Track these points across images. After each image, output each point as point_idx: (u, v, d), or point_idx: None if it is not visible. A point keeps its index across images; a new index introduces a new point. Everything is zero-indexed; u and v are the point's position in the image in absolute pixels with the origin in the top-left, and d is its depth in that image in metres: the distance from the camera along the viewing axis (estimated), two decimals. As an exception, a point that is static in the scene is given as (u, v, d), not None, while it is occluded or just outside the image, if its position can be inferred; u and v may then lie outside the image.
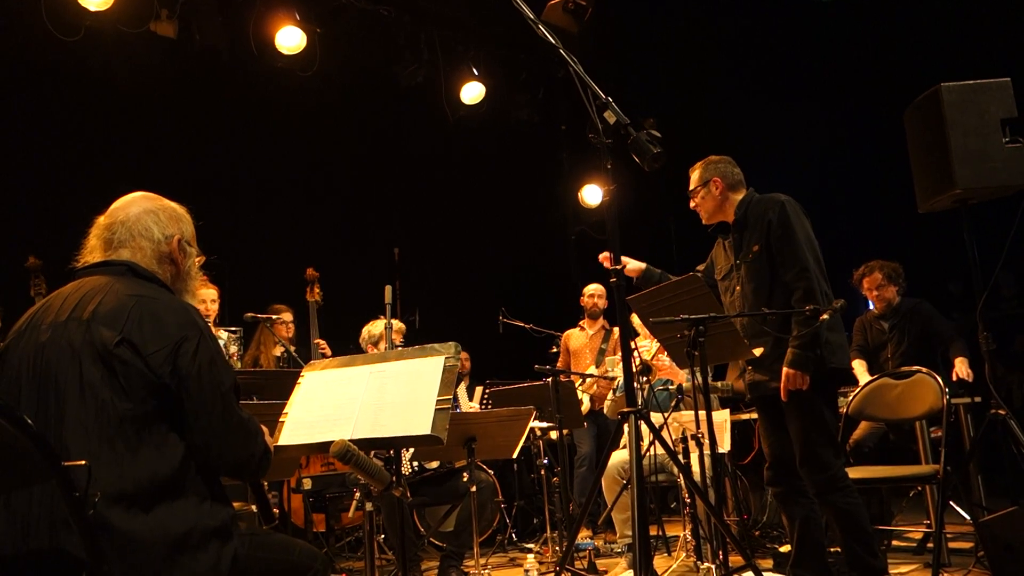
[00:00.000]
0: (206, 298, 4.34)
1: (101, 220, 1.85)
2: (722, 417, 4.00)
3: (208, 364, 1.65)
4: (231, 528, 1.65)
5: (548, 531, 4.65)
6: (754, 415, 4.62)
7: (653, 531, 4.43)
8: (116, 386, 1.58)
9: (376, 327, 4.50)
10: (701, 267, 3.50)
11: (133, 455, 1.56)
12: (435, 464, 4.20)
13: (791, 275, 3.00)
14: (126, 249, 1.80)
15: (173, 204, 1.91)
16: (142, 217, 1.83)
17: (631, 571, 3.91)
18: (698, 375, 2.96)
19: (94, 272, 1.77)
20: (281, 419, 2.24)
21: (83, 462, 1.42)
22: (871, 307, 4.84)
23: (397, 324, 4.52)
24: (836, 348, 3.03)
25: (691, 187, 3.34)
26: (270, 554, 1.73)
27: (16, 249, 4.47)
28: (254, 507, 3.49)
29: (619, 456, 4.04)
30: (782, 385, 2.97)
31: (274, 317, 4.90)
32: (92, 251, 1.84)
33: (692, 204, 3.36)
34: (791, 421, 3.04)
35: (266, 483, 2.65)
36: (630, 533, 4.14)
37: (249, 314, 4.63)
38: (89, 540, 1.38)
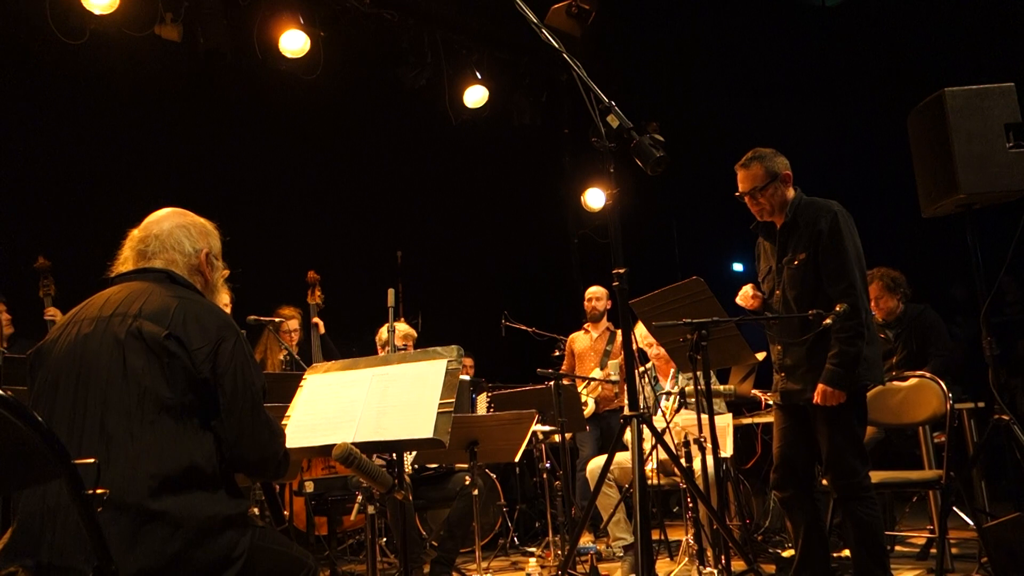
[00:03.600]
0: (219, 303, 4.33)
1: (135, 233, 1.95)
2: (724, 421, 3.99)
3: (243, 364, 1.75)
4: (249, 518, 1.74)
5: (550, 535, 4.64)
6: (756, 419, 4.62)
7: (655, 535, 4.42)
8: (159, 375, 1.67)
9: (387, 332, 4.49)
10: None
11: (173, 441, 1.65)
12: (435, 465, 4.20)
13: (837, 290, 2.92)
14: (159, 260, 1.90)
15: (202, 220, 2.02)
16: (174, 231, 1.93)
17: (632, 575, 3.90)
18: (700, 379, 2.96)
19: (133, 278, 1.87)
20: (284, 422, 2.24)
21: (92, 460, 1.44)
22: (873, 314, 4.82)
23: (408, 329, 4.50)
24: (872, 364, 2.98)
25: (753, 185, 3.08)
26: (275, 546, 1.81)
27: (25, 250, 4.48)
28: (255, 509, 3.50)
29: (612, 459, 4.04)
30: (816, 399, 2.92)
31: (277, 320, 4.91)
32: (125, 261, 1.93)
33: (750, 203, 3.12)
34: (820, 427, 3.00)
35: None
36: (622, 536, 4.13)
37: (252, 317, 4.63)
38: (98, 539, 1.39)
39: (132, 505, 1.56)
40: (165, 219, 1.95)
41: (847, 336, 2.88)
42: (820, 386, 2.92)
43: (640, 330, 4.21)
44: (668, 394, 4.26)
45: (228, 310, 4.46)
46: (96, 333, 1.73)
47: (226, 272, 2.05)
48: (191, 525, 1.60)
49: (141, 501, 1.57)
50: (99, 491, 1.39)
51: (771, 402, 3.33)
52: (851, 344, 2.89)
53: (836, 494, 2.99)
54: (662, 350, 4.23)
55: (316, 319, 5.32)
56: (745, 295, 3.23)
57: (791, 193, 3.11)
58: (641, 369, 4.19)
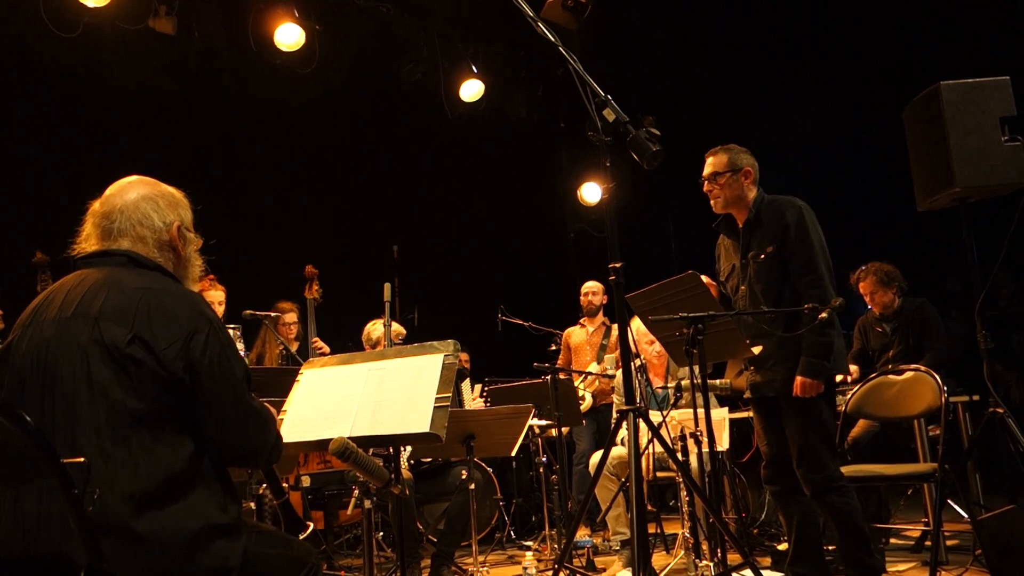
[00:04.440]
0: (214, 300, 4.33)
1: (96, 207, 1.79)
2: (720, 415, 4.00)
3: (219, 355, 1.63)
4: (241, 524, 1.65)
5: (547, 529, 4.65)
6: (751, 414, 4.62)
7: (651, 529, 4.43)
8: (127, 386, 1.55)
9: (375, 331, 4.48)
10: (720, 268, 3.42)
11: (147, 454, 1.54)
12: (428, 459, 4.20)
13: (804, 282, 2.97)
14: (126, 239, 1.74)
15: (171, 189, 1.87)
16: (140, 204, 1.77)
17: (628, 569, 3.91)
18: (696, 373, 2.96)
19: (94, 263, 1.73)
20: (280, 416, 2.24)
21: (82, 459, 1.41)
22: (871, 307, 4.83)
23: (396, 328, 4.49)
24: (838, 355, 3.02)
25: (713, 170, 3.17)
26: (273, 549, 1.74)
27: (22, 245, 4.47)
28: (252, 504, 3.50)
29: (612, 453, 4.04)
30: (795, 391, 2.96)
31: (274, 315, 4.90)
32: (88, 238, 1.78)
33: (708, 188, 3.19)
34: (790, 421, 3.04)
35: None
36: (622, 530, 4.14)
37: (248, 311, 4.63)
38: (89, 538, 1.37)
39: (112, 528, 1.46)
40: (129, 189, 1.79)
41: (819, 326, 2.91)
42: (798, 378, 2.95)
43: (638, 326, 4.21)
44: (665, 392, 4.27)
45: (223, 307, 4.45)
46: (57, 338, 1.59)
47: (199, 242, 1.87)
48: (177, 542, 1.51)
49: (121, 523, 1.47)
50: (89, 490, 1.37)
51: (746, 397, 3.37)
52: (823, 334, 2.92)
53: (809, 489, 3.01)
54: (657, 348, 4.23)
55: (318, 343, 5.29)
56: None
57: (753, 191, 3.17)
58: (637, 363, 4.19)
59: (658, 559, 4.14)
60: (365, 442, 2.06)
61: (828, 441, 3.00)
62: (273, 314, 4.92)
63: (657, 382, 4.46)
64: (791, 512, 3.13)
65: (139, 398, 1.55)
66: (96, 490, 1.40)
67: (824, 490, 2.96)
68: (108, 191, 1.81)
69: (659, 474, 4.15)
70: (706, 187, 3.22)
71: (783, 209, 3.07)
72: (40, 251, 4.40)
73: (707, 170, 3.22)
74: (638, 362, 4.20)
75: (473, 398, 5.64)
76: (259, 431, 1.73)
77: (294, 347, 5.17)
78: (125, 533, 1.48)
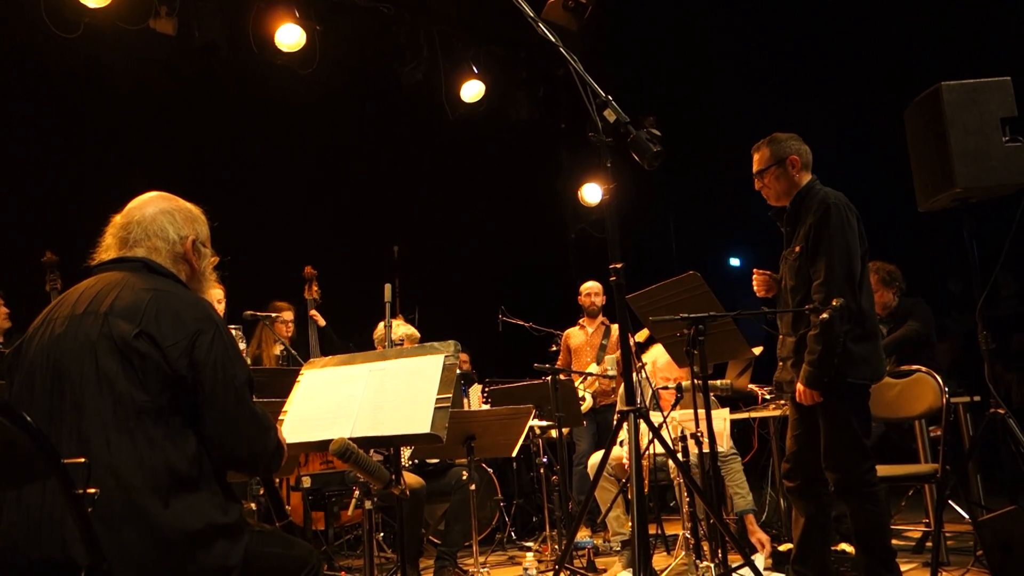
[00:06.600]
0: (213, 298, 4.32)
1: (117, 219, 1.86)
2: (722, 416, 3.99)
3: (223, 357, 1.67)
4: (243, 524, 1.67)
5: (547, 529, 4.65)
6: (753, 414, 4.64)
7: (652, 530, 4.43)
8: (133, 378, 1.59)
9: (394, 331, 4.45)
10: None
11: (151, 447, 1.57)
12: (436, 460, 4.20)
13: (816, 284, 2.92)
14: (141, 248, 1.81)
15: (189, 205, 1.93)
16: (157, 217, 1.84)
17: (629, 570, 3.91)
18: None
19: (110, 268, 1.79)
20: (280, 417, 2.24)
21: (82, 459, 1.42)
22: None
23: (411, 330, 4.44)
24: (859, 361, 2.90)
25: (759, 167, 3.11)
26: (274, 549, 1.75)
27: (32, 245, 4.47)
28: (253, 505, 3.50)
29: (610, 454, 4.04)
30: (796, 396, 2.95)
31: (273, 315, 4.90)
32: (107, 249, 1.85)
33: (758, 185, 3.15)
34: (820, 420, 3.00)
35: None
36: (622, 531, 4.14)
37: (248, 312, 4.63)
38: (90, 538, 1.37)
39: (115, 521, 1.48)
40: (148, 204, 1.86)
41: (815, 334, 2.86)
42: (797, 386, 2.93)
43: (656, 359, 4.20)
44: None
45: (222, 305, 4.46)
46: (69, 334, 1.65)
47: (215, 259, 1.95)
48: (180, 539, 1.53)
49: (122, 514, 1.50)
50: (90, 491, 1.37)
51: (768, 396, 3.35)
52: (816, 341, 2.85)
53: (837, 488, 2.98)
54: (671, 386, 4.22)
55: (313, 312, 5.31)
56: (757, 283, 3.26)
57: (803, 179, 3.08)
58: (639, 364, 4.19)
59: (659, 560, 4.13)
60: (366, 443, 2.06)
61: (854, 444, 2.91)
62: (273, 314, 4.92)
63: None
64: (801, 511, 3.10)
65: (144, 391, 1.59)
66: (96, 491, 1.40)
67: (850, 492, 2.91)
68: (129, 205, 1.89)
69: (659, 475, 4.15)
70: (756, 185, 3.16)
71: (811, 207, 2.99)
72: (50, 251, 4.41)
73: (755, 167, 3.14)
74: (639, 365, 4.20)
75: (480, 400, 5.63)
76: (259, 435, 1.74)
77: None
78: (128, 527, 1.50)
